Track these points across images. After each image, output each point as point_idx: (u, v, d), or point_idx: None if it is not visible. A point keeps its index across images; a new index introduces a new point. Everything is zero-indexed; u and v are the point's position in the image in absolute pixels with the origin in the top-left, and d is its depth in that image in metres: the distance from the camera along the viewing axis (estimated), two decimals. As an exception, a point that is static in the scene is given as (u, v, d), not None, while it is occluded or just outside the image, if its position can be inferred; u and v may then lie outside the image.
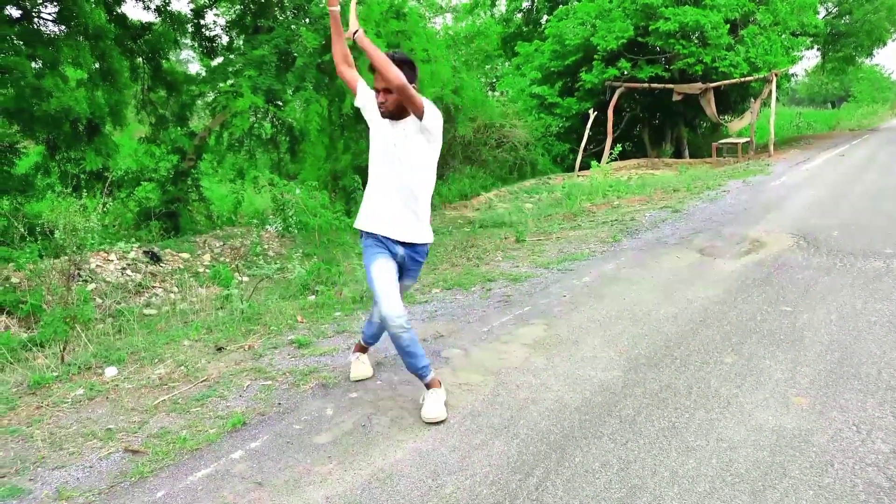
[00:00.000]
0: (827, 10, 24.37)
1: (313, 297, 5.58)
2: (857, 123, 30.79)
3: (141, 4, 9.69)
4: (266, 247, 8.74)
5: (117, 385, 3.71)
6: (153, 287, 7.06)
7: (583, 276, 5.74)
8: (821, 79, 44.29)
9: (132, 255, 7.31)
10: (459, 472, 2.65)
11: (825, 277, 5.23)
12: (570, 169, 16.93)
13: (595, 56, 16.49)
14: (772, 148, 16.76)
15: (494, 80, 24.02)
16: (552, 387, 3.43)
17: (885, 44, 25.18)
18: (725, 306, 4.65)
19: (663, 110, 18.93)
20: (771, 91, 16.17)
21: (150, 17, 10.05)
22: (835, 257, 5.82)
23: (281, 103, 10.02)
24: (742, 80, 15.85)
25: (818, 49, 25.43)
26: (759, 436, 2.82)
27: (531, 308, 4.87)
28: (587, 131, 16.10)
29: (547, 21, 20.13)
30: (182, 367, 3.95)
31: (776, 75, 15.95)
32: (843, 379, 3.33)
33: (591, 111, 16.09)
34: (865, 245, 6.18)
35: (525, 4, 22.52)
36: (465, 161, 16.19)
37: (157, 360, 4.10)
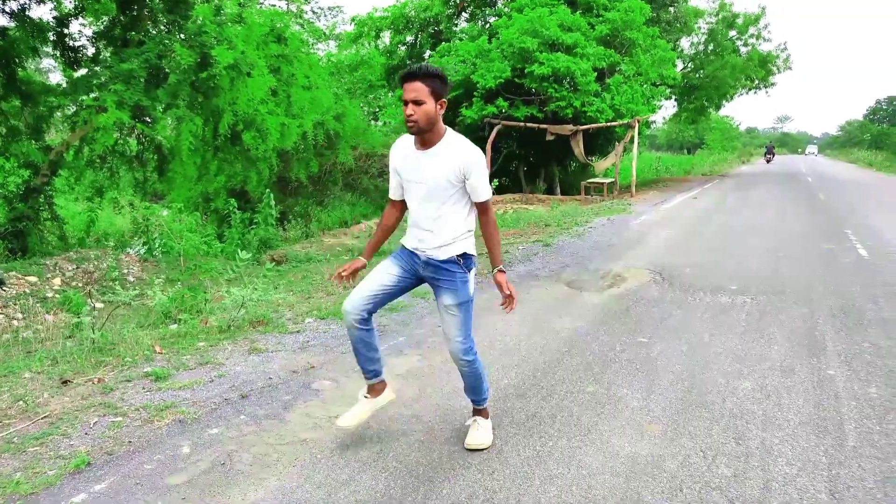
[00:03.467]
0: (684, 64, 26.75)
1: (175, 325, 5.26)
2: (709, 168, 33.79)
3: (-4, 8, 8.91)
4: (125, 271, 8.17)
5: (-63, 424, 3.29)
6: (-8, 313, 6.37)
7: (457, 306, 5.81)
8: (678, 126, 48.44)
9: (-31, 277, 6.58)
10: (324, 510, 2.56)
11: (678, 311, 5.62)
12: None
13: (475, 93, 17.03)
14: (633, 189, 18.01)
15: (377, 110, 24.18)
16: (423, 418, 3.42)
17: (730, 98, 28.01)
18: (589, 337, 4.87)
19: (537, 148, 19.82)
20: (633, 136, 17.42)
21: (4, 21, 9.26)
22: (686, 292, 6.29)
23: (150, 120, 9.50)
24: (608, 124, 16.95)
25: (675, 99, 27.80)
26: (615, 462, 2.95)
27: (406, 338, 4.86)
28: (466, 165, 16.49)
29: (429, 56, 20.61)
30: (20, 402, 3.58)
31: (638, 122, 17.21)
32: (691, 407, 3.58)
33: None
34: (714, 281, 6.73)
35: (409, 39, 22.93)
36: (345, 188, 16.09)
37: (-11, 395, 3.68)
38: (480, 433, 3.13)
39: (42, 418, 3.40)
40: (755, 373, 4.10)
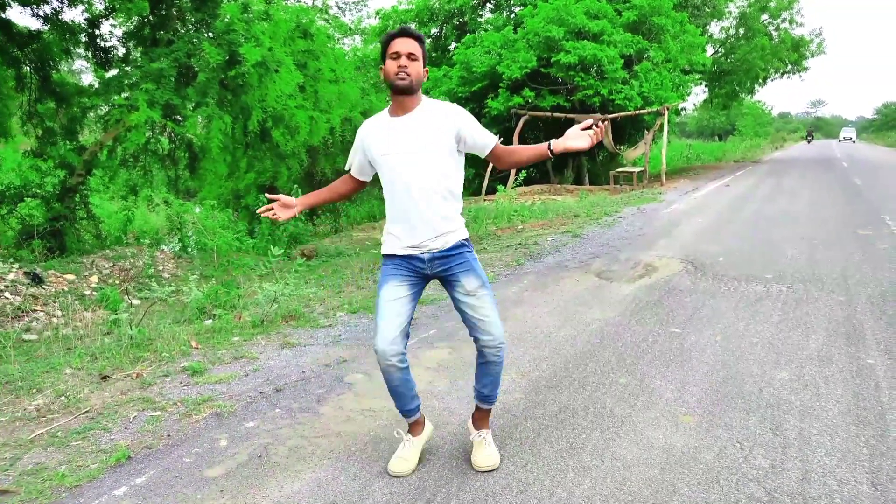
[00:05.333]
0: (714, 49, 26.29)
1: (210, 321, 5.35)
2: (741, 155, 33.18)
3: (29, 11, 9.11)
4: (161, 268, 8.33)
5: (-15, 419, 3.40)
6: (34, 310, 6.55)
7: (487, 299, 5.81)
8: (708, 113, 47.60)
9: (11, 276, 6.76)
10: (359, 502, 2.59)
11: (711, 301, 5.54)
12: (477, 193, 17.24)
13: (500, 84, 16.95)
14: (664, 177, 17.77)
15: (403, 104, 24.19)
16: (455, 410, 3.43)
17: (763, 82, 27.45)
18: (620, 328, 4.83)
19: (565, 138, 19.63)
20: (663, 124, 17.17)
21: (39, 24, 9.45)
22: (720, 282, 6.20)
23: (180, 118, 9.65)
24: (636, 112, 16.74)
25: (705, 85, 27.35)
26: (650, 454, 2.92)
27: (437, 331, 4.88)
28: (493, 156, 16.45)
29: (455, 48, 20.56)
30: (62, 398, 3.68)
31: (668, 109, 16.96)
32: (727, 398, 3.53)
33: (497, 137, 16.49)
34: (748, 270, 6.62)
35: (433, 31, 22.89)
36: (373, 183, 16.14)
37: (34, 390, 3.80)
38: (491, 449, 2.84)
39: (83, 413, 3.49)
40: (792, 362, 4.03)
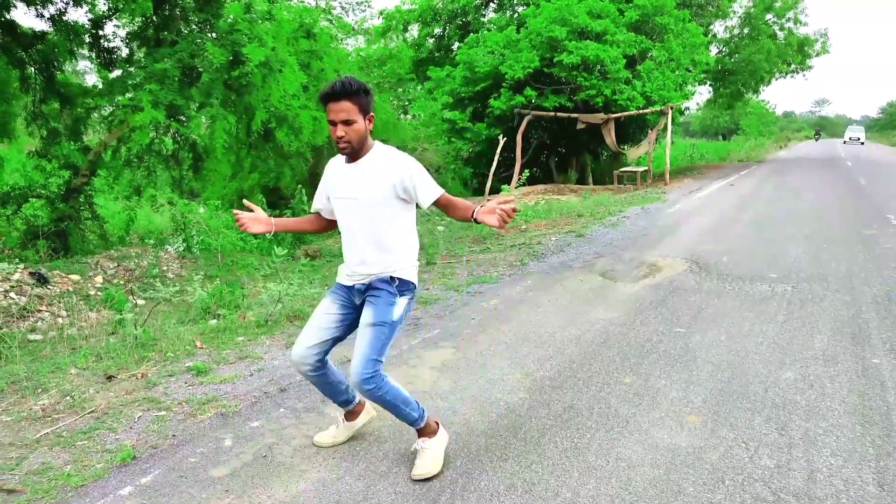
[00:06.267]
0: (718, 49, 26.23)
1: (215, 321, 5.36)
2: (745, 155, 33.08)
3: (34, 12, 9.14)
4: (165, 268, 8.34)
5: (-9, 419, 3.41)
6: (39, 311, 6.57)
7: (491, 298, 5.81)
8: (712, 112, 47.49)
9: (16, 276, 6.78)
10: (364, 502, 2.59)
11: (716, 300, 5.53)
12: (480, 193, 17.23)
13: (503, 84, 16.94)
14: (668, 177, 17.74)
15: (407, 103, 24.22)
16: (459, 410, 3.43)
17: (767, 82, 27.38)
18: (625, 328, 4.82)
19: (568, 138, 19.65)
20: (667, 123, 17.14)
21: (43, 25, 9.48)
22: (724, 281, 6.18)
23: (184, 119, 9.67)
24: (639, 111, 16.71)
25: (709, 84, 27.29)
26: (655, 454, 2.92)
27: (440, 331, 4.88)
28: (497, 156, 16.49)
29: (458, 48, 20.56)
30: (68, 398, 3.68)
31: (671, 108, 16.93)
32: (732, 398, 3.52)
33: (500, 137, 16.50)
34: (752, 270, 6.61)
35: (437, 31, 22.89)
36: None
37: (40, 390, 3.81)
38: (425, 458, 2.79)
39: (89, 413, 3.49)
40: (797, 362, 4.02)
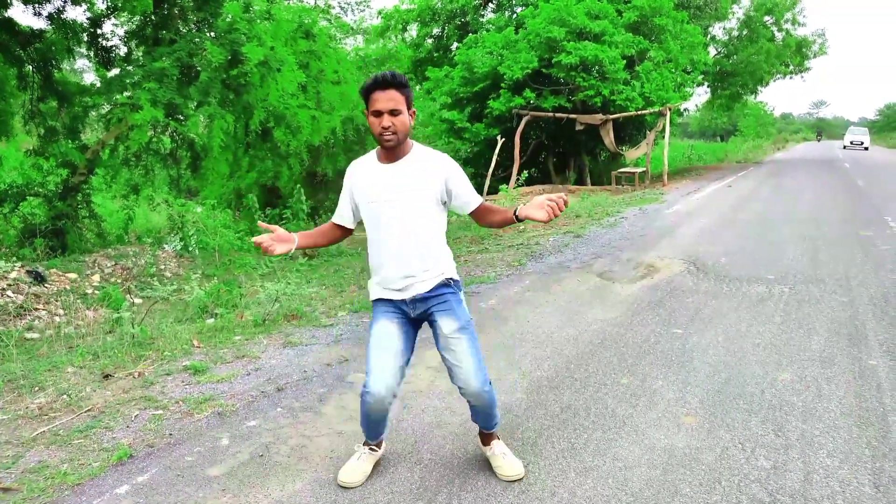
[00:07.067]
0: (716, 50, 26.27)
1: (212, 320, 5.35)
2: (743, 156, 33.12)
3: (32, 10, 9.12)
4: (162, 267, 8.33)
5: (-13, 417, 3.40)
6: (36, 309, 6.55)
7: (489, 298, 5.82)
8: (711, 114, 47.55)
9: (14, 274, 6.77)
10: (360, 501, 2.59)
11: (713, 301, 5.54)
12: (479, 193, 17.20)
13: (502, 84, 16.94)
14: (666, 178, 17.75)
15: (405, 104, 24.18)
16: (457, 410, 3.43)
17: (766, 83, 27.44)
18: (622, 328, 4.83)
19: (567, 139, 19.66)
20: (665, 124, 17.16)
21: (41, 23, 9.47)
22: (722, 282, 6.19)
23: (182, 118, 9.65)
24: (637, 112, 16.72)
25: (707, 86, 27.33)
26: (652, 455, 2.92)
27: (437, 331, 4.87)
28: (495, 157, 16.48)
29: (456, 48, 20.56)
30: (64, 396, 3.68)
31: (669, 109, 16.95)
32: (729, 399, 3.52)
33: (499, 137, 16.50)
34: (750, 271, 6.61)
35: (435, 31, 22.90)
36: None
37: (36, 389, 3.80)
38: (510, 460, 2.78)
39: (85, 412, 3.49)
40: (794, 363, 4.02)
